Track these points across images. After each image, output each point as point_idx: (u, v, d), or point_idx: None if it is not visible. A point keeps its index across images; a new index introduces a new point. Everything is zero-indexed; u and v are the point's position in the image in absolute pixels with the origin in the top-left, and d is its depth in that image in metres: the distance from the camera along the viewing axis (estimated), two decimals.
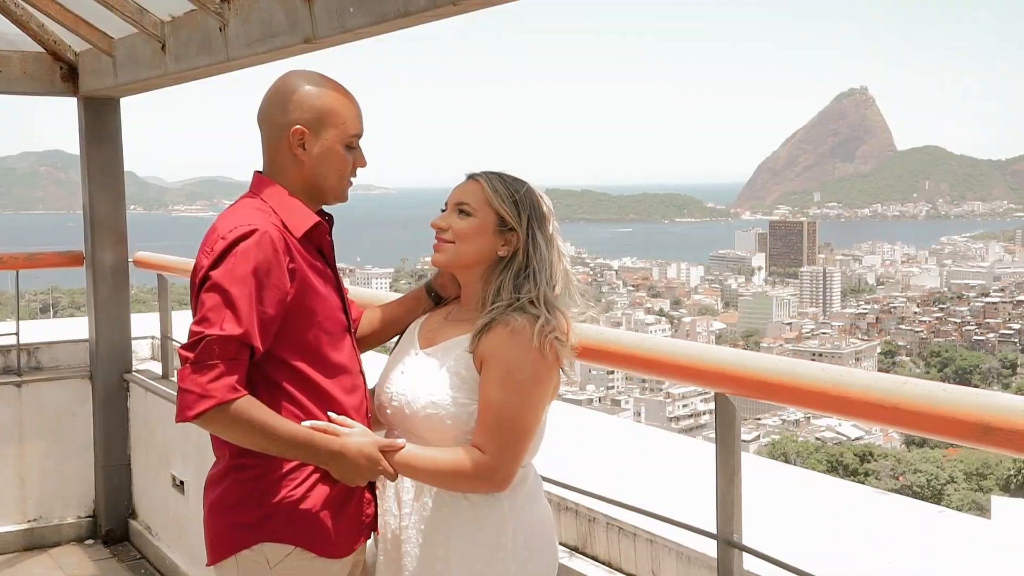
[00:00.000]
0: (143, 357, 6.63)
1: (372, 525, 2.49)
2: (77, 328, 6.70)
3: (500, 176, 2.43)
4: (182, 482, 5.32)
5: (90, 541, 6.14)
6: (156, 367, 6.18)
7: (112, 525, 6.09)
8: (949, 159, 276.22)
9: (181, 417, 2.18)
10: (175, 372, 5.90)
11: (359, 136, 2.45)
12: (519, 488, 2.37)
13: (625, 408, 72.97)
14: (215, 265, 2.22)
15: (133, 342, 6.24)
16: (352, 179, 2.48)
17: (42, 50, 5.70)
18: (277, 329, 2.27)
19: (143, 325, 6.68)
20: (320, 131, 2.38)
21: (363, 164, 2.47)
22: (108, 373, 6.06)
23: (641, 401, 76.79)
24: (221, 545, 2.38)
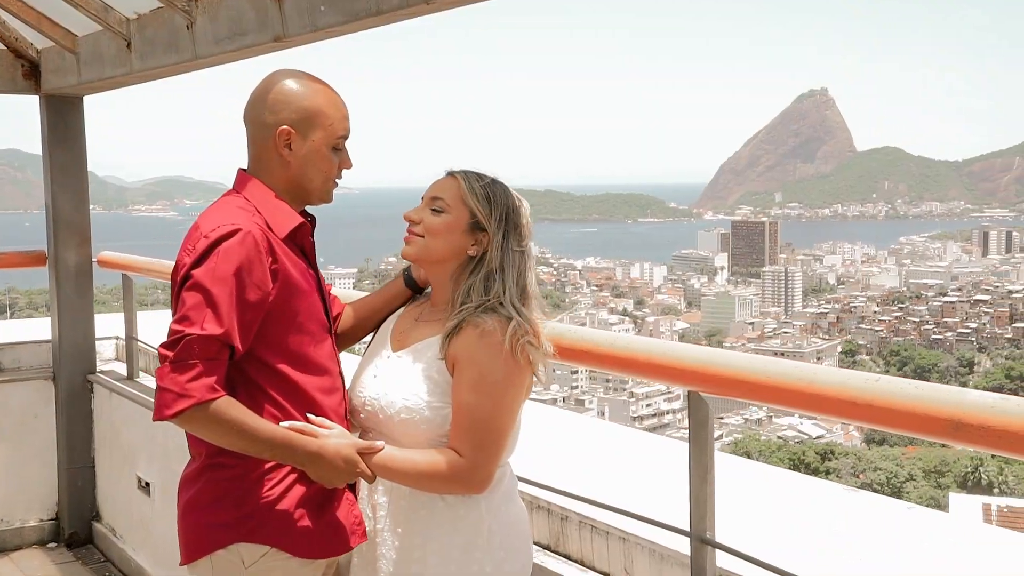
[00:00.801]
0: (107, 358, 6.56)
1: (352, 532, 2.48)
2: (39, 329, 6.62)
3: (479, 175, 2.42)
4: (148, 483, 5.27)
5: (53, 544, 6.06)
6: (121, 368, 6.11)
7: (76, 528, 6.02)
8: (907, 160, 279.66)
9: (159, 416, 2.16)
10: (140, 373, 5.88)
11: (346, 138, 2.44)
12: (496, 488, 2.37)
13: (589, 408, 73.13)
14: (197, 264, 2.20)
15: (97, 343, 6.17)
16: (337, 180, 2.47)
17: (3, 47, 5.62)
18: (258, 329, 2.25)
19: (106, 325, 6.60)
20: (307, 132, 2.37)
21: (348, 166, 2.46)
22: (72, 374, 5.98)
23: (605, 401, 77.05)
24: (196, 545, 2.36)
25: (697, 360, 2.38)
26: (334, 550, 2.43)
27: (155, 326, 6.13)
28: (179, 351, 2.14)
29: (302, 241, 2.43)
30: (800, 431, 65.69)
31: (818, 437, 62.89)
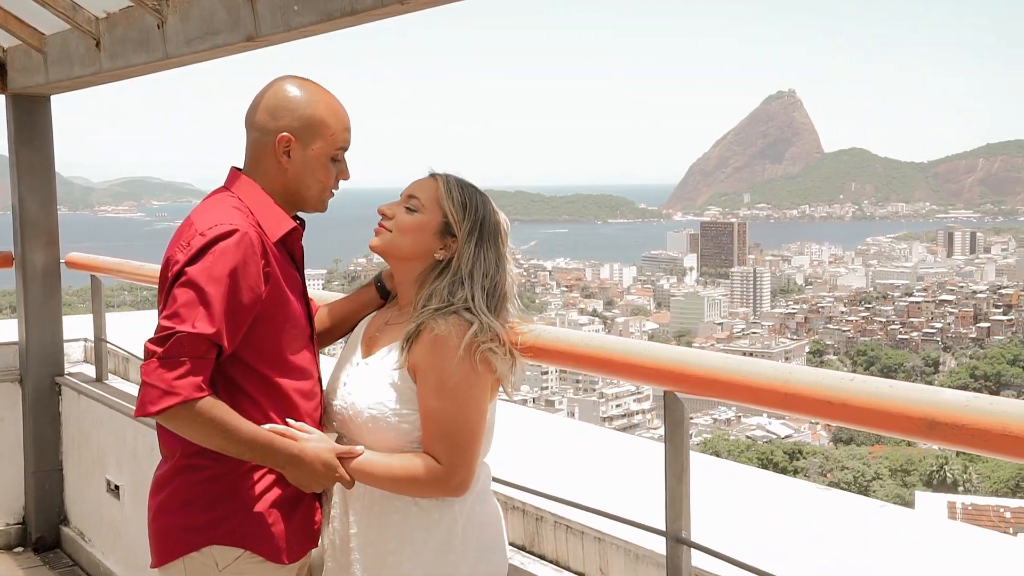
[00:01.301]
0: (75, 360, 6.48)
1: (319, 532, 2.48)
2: (5, 330, 6.53)
3: (460, 181, 2.42)
4: (117, 486, 5.21)
5: (19, 549, 5.98)
6: (89, 370, 6.04)
7: (43, 532, 5.95)
8: (874, 161, 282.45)
9: (142, 412, 2.14)
10: (109, 375, 5.83)
11: (346, 149, 2.44)
12: (469, 489, 2.37)
13: (560, 408, 73.28)
14: (192, 261, 2.18)
15: (65, 344, 6.10)
16: (334, 191, 2.47)
17: None
18: (245, 331, 2.24)
19: (74, 327, 6.53)
20: (307, 141, 2.37)
21: (346, 177, 2.45)
22: (39, 376, 5.91)
23: (575, 401, 77.22)
24: (168, 547, 2.34)
25: (673, 360, 2.39)
26: (305, 552, 2.43)
27: (124, 328, 6.09)
28: (168, 348, 2.12)
29: (292, 246, 2.43)
30: (768, 431, 66.19)
31: (786, 437, 63.42)
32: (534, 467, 3.42)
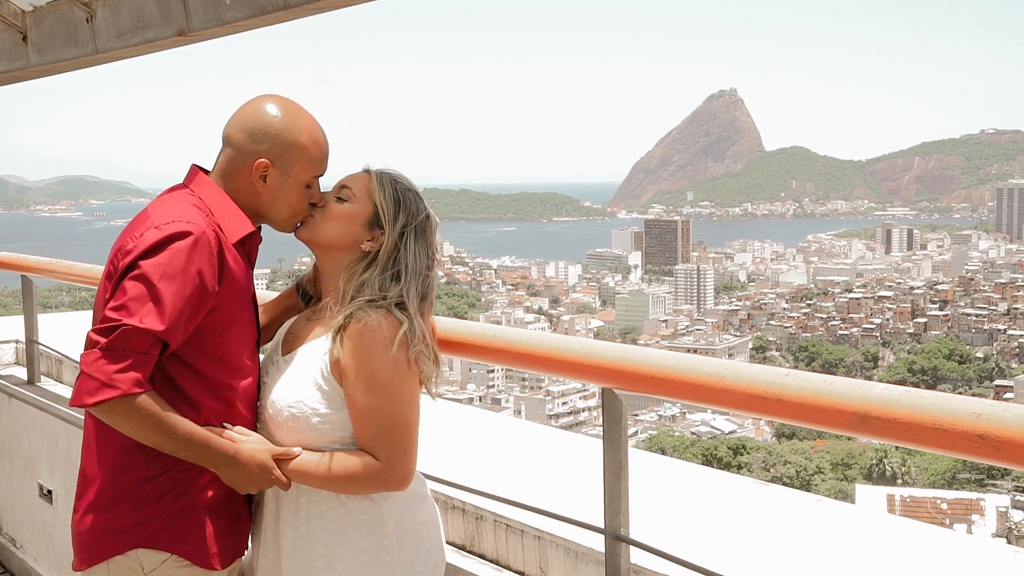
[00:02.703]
0: (6, 362, 6.32)
1: (250, 537, 2.44)
2: None
3: (393, 177, 2.40)
4: (50, 491, 5.09)
5: None
6: (21, 372, 5.89)
7: None
8: (814, 159, 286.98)
9: (77, 402, 2.08)
10: (42, 377, 5.69)
11: (322, 175, 2.40)
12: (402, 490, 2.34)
13: (506, 406, 73.44)
14: (146, 255, 2.13)
15: None
16: (310, 216, 2.40)
17: None
18: (192, 331, 2.19)
19: (5, 329, 6.37)
20: (285, 168, 2.33)
21: (317, 200, 2.40)
22: None
23: (521, 399, 77.48)
24: (93, 549, 2.27)
25: (611, 357, 2.38)
26: (236, 557, 2.39)
27: (59, 329, 5.96)
28: (112, 339, 2.06)
29: (250, 249, 2.39)
30: (713, 427, 66.99)
31: (730, 432, 64.21)
32: (475, 466, 3.40)
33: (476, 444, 4.06)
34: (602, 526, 2.45)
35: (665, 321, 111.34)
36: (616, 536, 2.43)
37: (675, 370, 2.23)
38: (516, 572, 2.93)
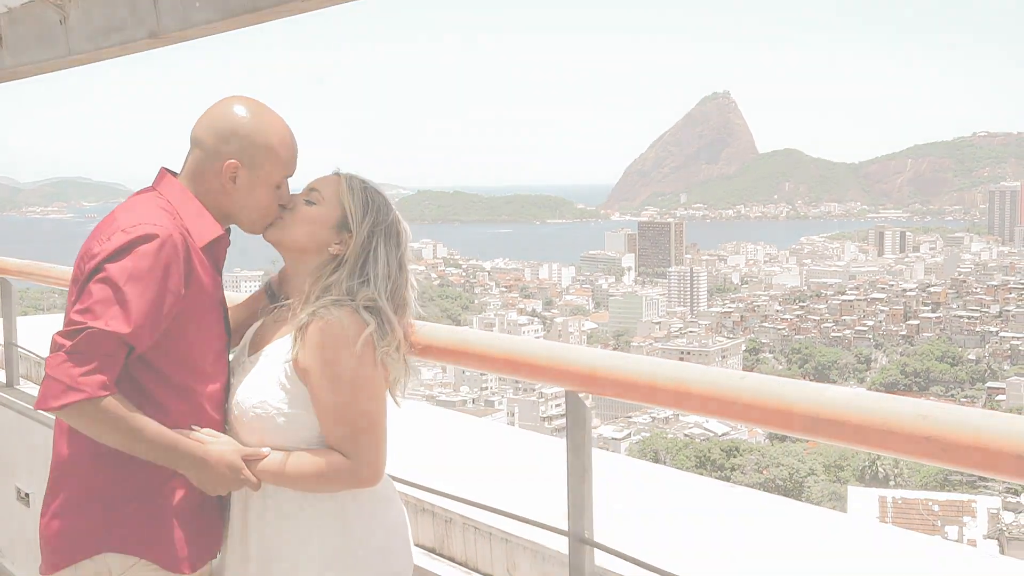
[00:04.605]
0: None
1: (221, 541, 2.43)
2: None
3: (363, 181, 2.40)
4: (28, 494, 5.08)
5: None
6: None
7: None
8: (807, 162, 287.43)
9: (42, 405, 2.07)
10: (21, 380, 5.67)
11: (291, 176, 2.41)
12: (361, 492, 2.34)
13: (499, 409, 73.43)
14: (112, 258, 2.13)
15: None
16: (280, 218, 2.41)
17: None
18: (159, 335, 2.18)
19: None
20: (255, 169, 2.33)
21: (285, 202, 2.40)
22: None
23: (515, 402, 77.43)
24: (60, 553, 2.26)
25: (574, 361, 2.38)
26: (205, 561, 2.37)
27: (44, 331, 5.92)
28: (77, 342, 2.06)
29: (218, 252, 2.38)
30: (706, 428, 66.95)
31: (724, 434, 64.21)
32: (444, 469, 3.40)
33: (447, 447, 4.07)
34: (567, 529, 2.45)
35: (658, 323, 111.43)
36: (580, 539, 2.43)
37: (636, 374, 2.24)
38: (484, 575, 2.93)
